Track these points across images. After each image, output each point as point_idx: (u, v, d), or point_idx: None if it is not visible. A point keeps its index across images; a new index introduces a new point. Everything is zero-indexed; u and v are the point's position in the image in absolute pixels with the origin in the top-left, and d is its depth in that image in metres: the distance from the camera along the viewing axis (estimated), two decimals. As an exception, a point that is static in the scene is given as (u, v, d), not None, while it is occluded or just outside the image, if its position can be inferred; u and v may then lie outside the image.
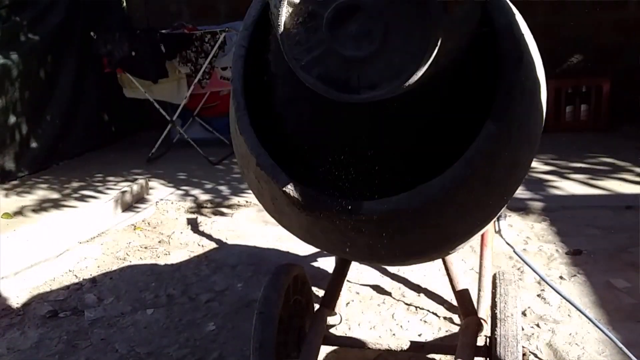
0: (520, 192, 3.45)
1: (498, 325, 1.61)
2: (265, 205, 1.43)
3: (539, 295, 2.44)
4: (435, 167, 1.19)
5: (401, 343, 1.84)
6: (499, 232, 2.28)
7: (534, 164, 1.52)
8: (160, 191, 4.11)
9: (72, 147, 5.02)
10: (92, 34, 4.58)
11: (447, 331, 2.25)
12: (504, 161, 1.24)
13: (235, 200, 3.78)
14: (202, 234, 3.35)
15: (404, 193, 1.17)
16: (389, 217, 1.18)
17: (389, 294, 2.54)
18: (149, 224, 3.55)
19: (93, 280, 2.82)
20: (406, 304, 2.45)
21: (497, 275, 1.75)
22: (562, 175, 3.89)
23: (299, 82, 1.03)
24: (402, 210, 1.17)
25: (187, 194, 3.98)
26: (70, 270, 2.94)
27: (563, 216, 3.23)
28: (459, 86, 1.19)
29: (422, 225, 1.25)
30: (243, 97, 1.28)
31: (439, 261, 2.09)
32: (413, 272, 2.68)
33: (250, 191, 1.57)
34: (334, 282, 1.98)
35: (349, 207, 1.18)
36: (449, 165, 1.16)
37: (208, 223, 3.50)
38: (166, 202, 3.86)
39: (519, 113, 1.21)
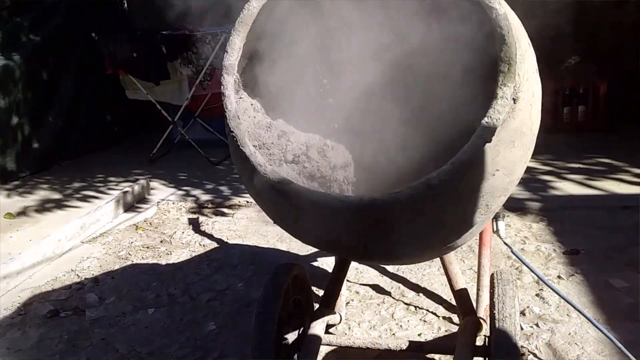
0: (518, 192, 3.46)
1: (497, 325, 1.62)
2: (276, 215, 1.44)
3: (537, 295, 2.45)
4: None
5: (401, 343, 1.85)
6: (497, 231, 2.29)
7: (532, 164, 1.54)
8: (161, 191, 4.12)
9: (74, 147, 5.03)
10: (93, 35, 4.60)
11: (446, 331, 2.26)
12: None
13: (236, 200, 3.80)
14: (203, 233, 3.36)
15: (411, 184, 1.19)
16: (406, 208, 1.20)
17: (389, 293, 2.55)
18: (150, 224, 3.56)
19: (95, 280, 2.83)
20: (406, 303, 2.47)
21: (495, 275, 1.76)
22: (559, 176, 3.91)
23: None
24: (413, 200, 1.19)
25: (188, 194, 4.00)
26: (72, 270, 2.96)
27: (561, 216, 3.25)
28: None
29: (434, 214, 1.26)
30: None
31: (438, 261, 2.11)
32: (412, 271, 2.70)
33: (248, 193, 1.59)
34: (334, 282, 2.00)
35: (367, 201, 1.20)
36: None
37: (209, 223, 3.52)
38: (167, 202, 3.88)
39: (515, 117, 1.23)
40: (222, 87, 1.35)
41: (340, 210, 1.20)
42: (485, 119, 1.19)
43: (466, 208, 1.29)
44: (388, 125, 1.45)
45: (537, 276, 2.32)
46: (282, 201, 1.27)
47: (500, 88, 1.20)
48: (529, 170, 1.48)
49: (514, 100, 1.22)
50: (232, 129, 1.30)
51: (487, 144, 1.18)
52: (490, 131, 1.18)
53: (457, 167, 1.17)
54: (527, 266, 2.29)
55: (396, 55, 1.46)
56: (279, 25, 1.42)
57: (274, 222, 1.47)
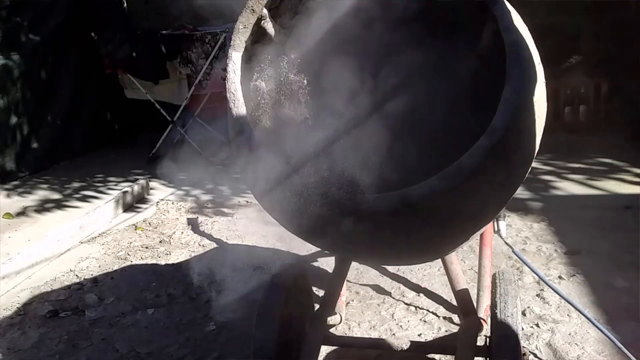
0: (519, 192, 3.43)
1: (498, 325, 1.61)
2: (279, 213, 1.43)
3: (538, 295, 2.44)
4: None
5: (401, 343, 1.84)
6: (498, 231, 2.29)
7: (533, 164, 1.53)
8: (160, 191, 4.12)
9: (73, 147, 5.02)
10: (92, 34, 4.59)
11: (447, 331, 2.25)
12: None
13: (235, 200, 3.80)
14: (203, 233, 3.35)
15: (421, 183, 1.18)
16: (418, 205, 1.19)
17: (389, 293, 2.55)
18: (149, 224, 3.55)
19: (94, 280, 2.83)
20: (406, 303, 2.46)
21: (497, 275, 1.76)
22: (560, 176, 3.90)
23: None
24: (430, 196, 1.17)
25: (187, 194, 3.99)
26: (71, 270, 2.95)
27: (562, 216, 3.24)
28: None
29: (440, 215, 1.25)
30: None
31: (439, 261, 2.10)
32: (413, 272, 2.69)
33: (249, 192, 1.58)
34: (334, 282, 1.99)
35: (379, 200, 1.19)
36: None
37: (208, 223, 3.51)
38: (167, 202, 3.87)
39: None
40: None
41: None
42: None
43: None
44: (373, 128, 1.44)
45: (538, 276, 2.32)
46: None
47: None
48: (530, 170, 1.48)
49: None
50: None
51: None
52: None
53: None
54: (528, 266, 2.29)
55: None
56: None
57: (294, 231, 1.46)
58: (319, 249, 2.59)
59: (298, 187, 1.23)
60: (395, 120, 1.42)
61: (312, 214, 1.25)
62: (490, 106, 1.20)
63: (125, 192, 3.84)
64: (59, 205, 3.92)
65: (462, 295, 1.92)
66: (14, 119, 4.48)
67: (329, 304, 1.97)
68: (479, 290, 2.06)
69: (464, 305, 1.91)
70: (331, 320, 2.08)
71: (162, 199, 3.92)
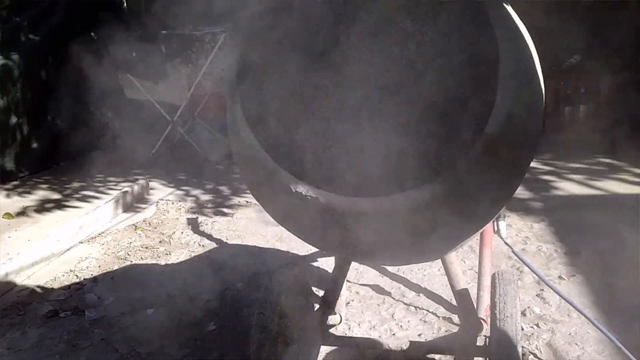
0: (520, 192, 3.45)
1: (497, 325, 1.61)
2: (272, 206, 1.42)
3: (538, 295, 2.44)
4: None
5: (401, 343, 1.84)
6: (497, 232, 2.29)
7: (533, 164, 1.53)
8: (160, 191, 4.12)
9: (73, 147, 5.01)
10: (92, 34, 4.59)
11: (447, 331, 2.25)
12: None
13: (235, 200, 3.80)
14: (203, 233, 3.35)
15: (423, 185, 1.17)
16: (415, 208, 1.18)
17: (389, 294, 2.55)
18: (149, 224, 3.55)
19: (94, 280, 2.83)
20: (406, 304, 2.46)
21: (496, 275, 1.76)
22: (561, 176, 3.90)
23: None
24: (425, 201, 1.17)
25: (187, 194, 3.99)
26: (71, 270, 2.95)
27: (562, 216, 3.24)
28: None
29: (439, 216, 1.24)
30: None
31: (439, 261, 2.10)
32: (413, 272, 2.69)
33: (249, 192, 1.58)
34: (334, 282, 1.99)
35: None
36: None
37: (208, 223, 3.51)
38: (167, 202, 3.87)
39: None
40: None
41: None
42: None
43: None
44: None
45: (538, 276, 2.32)
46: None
47: None
48: (530, 170, 1.48)
49: None
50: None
51: None
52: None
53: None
54: (528, 266, 2.29)
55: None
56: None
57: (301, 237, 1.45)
58: (318, 249, 2.58)
59: (295, 191, 1.22)
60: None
61: (309, 218, 1.25)
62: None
63: (125, 192, 3.84)
64: (58, 205, 3.92)
65: (462, 296, 1.91)
66: (13, 119, 4.48)
67: (329, 304, 1.97)
68: (479, 290, 2.06)
69: (463, 306, 1.91)
70: (331, 320, 2.08)
71: (162, 199, 3.92)
